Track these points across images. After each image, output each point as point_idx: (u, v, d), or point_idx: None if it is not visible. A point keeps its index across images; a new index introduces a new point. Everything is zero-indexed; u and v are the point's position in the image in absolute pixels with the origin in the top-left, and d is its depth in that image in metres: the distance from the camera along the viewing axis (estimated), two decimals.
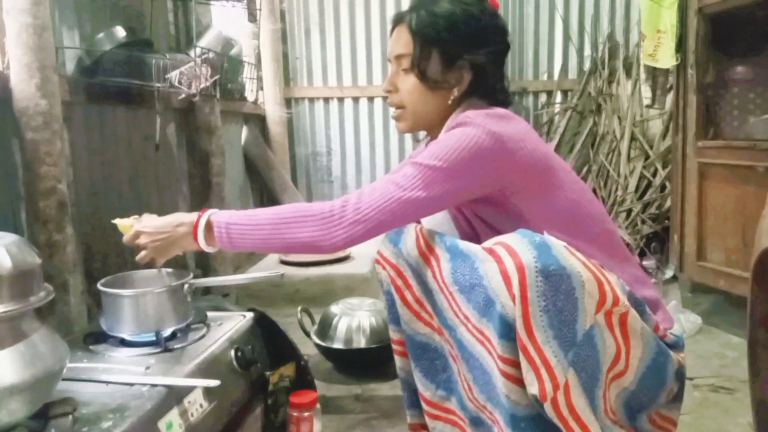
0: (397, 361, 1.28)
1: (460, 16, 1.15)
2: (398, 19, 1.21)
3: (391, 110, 1.25)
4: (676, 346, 1.13)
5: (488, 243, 1.00)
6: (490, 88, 1.19)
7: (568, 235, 1.05)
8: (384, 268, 1.22)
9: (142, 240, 1.18)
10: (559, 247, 0.95)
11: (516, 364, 0.94)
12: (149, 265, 1.26)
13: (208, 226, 1.13)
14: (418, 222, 1.21)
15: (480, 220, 1.16)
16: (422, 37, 1.16)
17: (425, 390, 1.20)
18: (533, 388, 0.92)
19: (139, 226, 1.19)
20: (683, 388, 1.16)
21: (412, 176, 1.05)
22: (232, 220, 1.12)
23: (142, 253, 1.20)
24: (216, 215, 1.14)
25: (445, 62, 1.16)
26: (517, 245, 0.94)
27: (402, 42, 1.19)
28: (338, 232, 1.04)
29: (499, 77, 1.21)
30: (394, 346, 1.28)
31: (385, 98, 4.04)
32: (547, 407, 0.92)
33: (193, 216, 1.16)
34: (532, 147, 1.10)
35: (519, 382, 0.95)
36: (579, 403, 0.93)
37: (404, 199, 1.03)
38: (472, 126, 1.07)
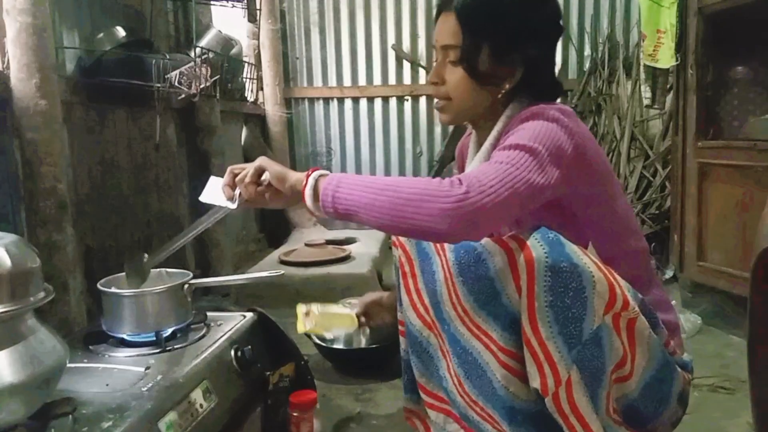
0: (402, 342, 1.26)
1: (513, 4, 1.06)
2: (444, 5, 1.10)
3: (435, 100, 1.17)
4: (684, 368, 1.11)
5: (499, 236, 0.99)
6: (542, 83, 1.12)
7: (612, 244, 1.05)
8: (398, 248, 1.20)
9: (265, 175, 1.08)
10: (572, 246, 0.94)
11: (518, 358, 0.94)
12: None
13: (317, 180, 0.99)
14: None
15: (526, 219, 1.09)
16: (472, 29, 1.06)
17: (421, 377, 1.19)
18: (535, 382, 0.92)
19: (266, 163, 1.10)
20: (683, 414, 1.14)
21: (523, 158, 0.92)
22: (345, 180, 0.97)
23: (241, 192, 1.10)
24: (329, 175, 1.00)
25: (496, 57, 1.07)
26: (529, 239, 0.93)
27: (449, 31, 1.08)
28: (463, 219, 0.87)
29: (551, 68, 1.17)
30: (400, 327, 1.25)
31: (385, 98, 4.11)
32: (548, 402, 0.92)
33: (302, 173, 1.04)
34: (597, 150, 1.06)
35: (520, 375, 0.95)
36: (581, 400, 0.93)
37: (530, 182, 0.91)
38: (552, 120, 0.99)
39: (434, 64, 1.15)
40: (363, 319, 1.43)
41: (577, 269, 0.91)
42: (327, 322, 1.35)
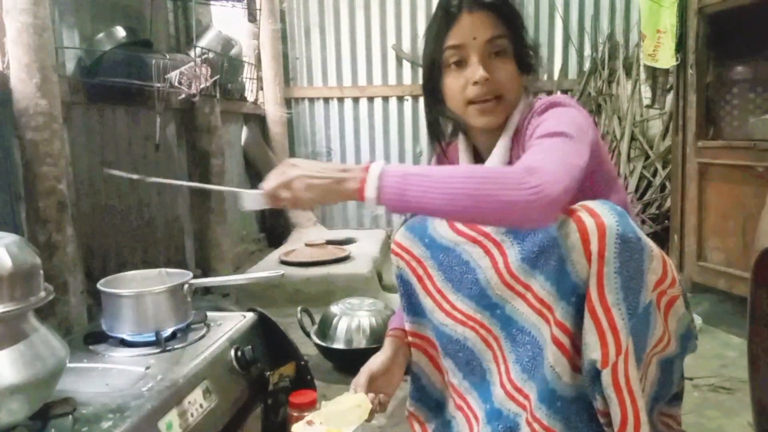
0: (413, 354, 1.25)
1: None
2: (470, 4, 1.08)
3: (467, 106, 1.12)
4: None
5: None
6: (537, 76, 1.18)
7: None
8: (402, 257, 1.19)
9: (297, 183, 0.97)
10: (633, 220, 0.95)
11: (570, 333, 0.93)
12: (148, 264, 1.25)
13: (380, 176, 0.94)
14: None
15: None
16: (511, 21, 1.10)
17: (453, 377, 1.18)
18: (595, 353, 0.90)
19: (294, 169, 0.98)
20: (683, 387, 1.16)
21: (569, 144, 0.96)
22: (411, 171, 0.94)
23: (282, 194, 0.99)
24: (389, 166, 0.96)
25: (530, 47, 1.13)
26: (599, 208, 0.93)
27: (488, 25, 1.08)
28: (544, 208, 0.90)
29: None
30: (410, 339, 1.24)
31: (384, 99, 4.11)
32: (606, 375, 0.90)
33: (356, 166, 0.98)
34: (597, 132, 1.10)
35: (567, 353, 0.93)
36: (633, 373, 0.91)
37: (580, 166, 0.95)
38: (571, 107, 1.04)
39: (452, 68, 1.11)
40: (375, 400, 1.17)
41: (640, 242, 0.91)
42: (338, 420, 1.10)
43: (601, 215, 0.91)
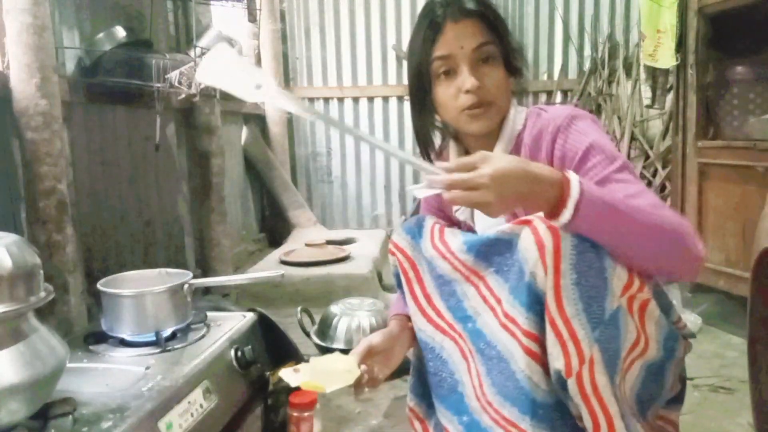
0: (416, 344, 1.25)
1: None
2: (456, 13, 1.08)
3: (459, 113, 1.11)
4: (688, 337, 1.12)
5: (523, 216, 0.99)
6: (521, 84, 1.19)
7: None
8: (397, 257, 1.20)
9: (485, 179, 0.85)
10: None
11: (539, 341, 0.93)
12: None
13: (578, 203, 0.87)
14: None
15: None
16: (499, 27, 1.11)
17: (432, 385, 1.20)
18: (558, 362, 0.91)
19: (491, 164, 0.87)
20: (684, 388, 1.15)
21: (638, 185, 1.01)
22: (608, 200, 0.90)
23: (455, 194, 0.88)
24: (587, 188, 0.89)
25: (518, 52, 1.15)
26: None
27: (477, 32, 1.09)
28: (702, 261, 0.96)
29: None
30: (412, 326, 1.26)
31: (384, 99, 4.11)
32: (571, 384, 0.91)
33: (553, 173, 0.89)
34: None
35: (542, 362, 0.94)
36: (601, 380, 0.92)
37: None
38: (590, 119, 1.07)
39: (441, 78, 1.11)
40: (367, 372, 1.13)
41: (599, 249, 0.91)
42: (323, 377, 1.08)
43: (557, 225, 0.91)
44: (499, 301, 1.02)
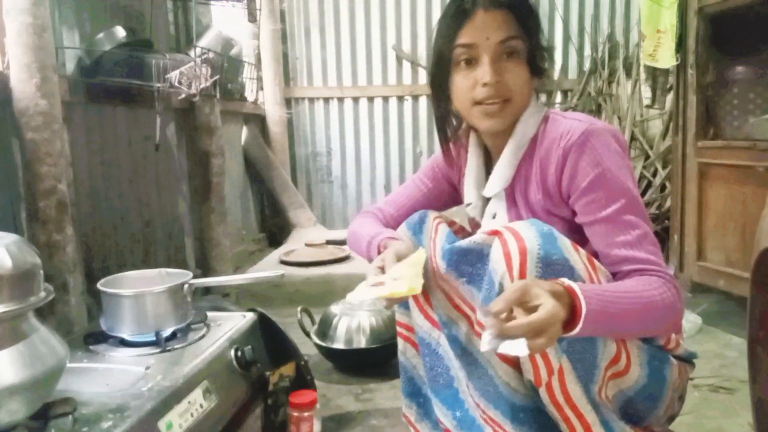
0: (399, 344, 1.27)
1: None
2: (491, 3, 1.05)
3: (473, 108, 1.08)
4: (686, 361, 1.11)
5: (496, 227, 0.99)
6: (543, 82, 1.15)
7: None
8: None
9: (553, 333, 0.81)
10: (565, 240, 0.94)
11: None
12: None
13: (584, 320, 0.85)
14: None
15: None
16: (528, 22, 1.06)
17: (427, 380, 1.21)
18: (529, 374, 0.93)
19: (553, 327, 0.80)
20: (680, 409, 1.14)
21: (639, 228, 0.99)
22: (611, 311, 0.87)
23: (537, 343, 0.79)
24: (590, 302, 0.84)
25: (544, 50, 1.10)
26: (524, 231, 0.93)
27: (504, 25, 1.04)
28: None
29: None
30: (398, 329, 1.27)
31: (384, 99, 4.10)
32: (542, 393, 0.92)
33: (561, 296, 0.84)
34: None
35: (517, 367, 0.96)
36: (574, 390, 0.93)
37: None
38: (609, 134, 1.03)
39: (461, 66, 1.07)
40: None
41: (568, 263, 0.91)
42: (400, 285, 1.02)
43: (525, 238, 0.91)
44: (473, 309, 1.03)
